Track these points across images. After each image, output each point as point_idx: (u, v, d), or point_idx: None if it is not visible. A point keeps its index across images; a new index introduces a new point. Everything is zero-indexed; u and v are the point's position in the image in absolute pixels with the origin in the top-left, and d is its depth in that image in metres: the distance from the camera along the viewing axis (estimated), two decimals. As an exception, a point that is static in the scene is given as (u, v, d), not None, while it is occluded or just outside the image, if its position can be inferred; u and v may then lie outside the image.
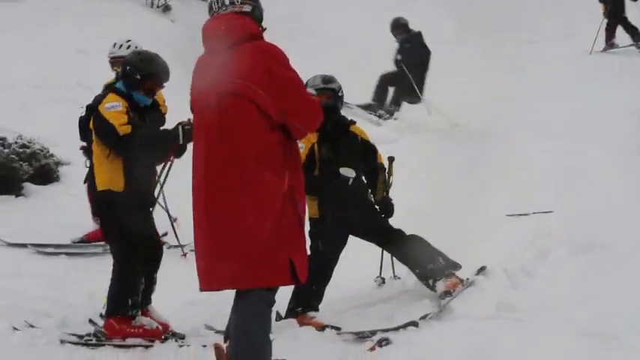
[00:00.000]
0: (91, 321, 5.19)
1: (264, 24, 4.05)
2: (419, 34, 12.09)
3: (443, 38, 14.49)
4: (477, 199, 6.94)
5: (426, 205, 7.25)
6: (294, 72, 3.89)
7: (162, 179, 5.41)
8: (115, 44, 7.35)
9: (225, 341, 4.31)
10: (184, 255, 6.88)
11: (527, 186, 7.91)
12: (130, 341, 4.91)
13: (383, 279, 5.99)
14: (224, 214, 3.77)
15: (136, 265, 5.04)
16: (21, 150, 8.52)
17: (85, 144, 7.49)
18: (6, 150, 8.39)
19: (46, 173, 8.74)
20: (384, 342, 4.56)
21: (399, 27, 12.19)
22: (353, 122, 5.86)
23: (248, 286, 3.75)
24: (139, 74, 5.22)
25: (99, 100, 5.23)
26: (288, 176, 3.82)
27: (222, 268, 3.77)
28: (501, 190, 7.35)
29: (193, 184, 3.92)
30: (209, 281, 3.84)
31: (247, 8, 3.98)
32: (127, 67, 5.26)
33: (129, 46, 7.18)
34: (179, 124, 5.15)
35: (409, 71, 11.72)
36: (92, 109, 5.26)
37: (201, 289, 3.89)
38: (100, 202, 5.18)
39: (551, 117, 10.38)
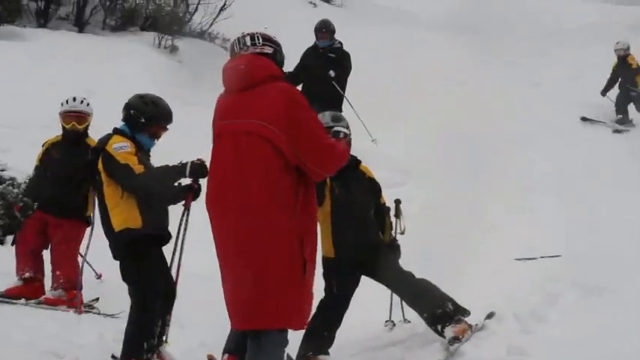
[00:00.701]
0: (110, 361, 5.19)
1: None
2: (342, 46, 11.07)
3: (450, 80, 14.65)
4: (486, 241, 6.96)
5: (434, 248, 7.26)
6: (313, 113, 3.95)
7: (182, 227, 5.33)
8: (74, 98, 7.15)
9: (223, 355, 4.45)
10: None
11: (538, 228, 7.94)
12: (144, 384, 4.89)
13: (393, 322, 6.00)
14: (239, 255, 3.81)
15: (155, 308, 5.02)
16: (30, 190, 8.50)
17: (21, 204, 7.50)
18: (15, 190, 8.40)
19: (55, 212, 8.67)
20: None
21: (330, 32, 11.01)
22: (360, 161, 5.92)
23: (262, 327, 3.79)
24: (143, 117, 5.30)
25: (104, 141, 5.24)
26: (301, 220, 3.84)
27: (240, 309, 3.84)
28: (511, 232, 7.37)
29: (213, 229, 3.96)
30: (232, 320, 3.92)
31: (268, 50, 4.08)
32: (131, 111, 5.33)
33: (88, 104, 7.14)
34: (188, 161, 5.16)
35: (342, 90, 10.89)
36: (97, 151, 5.24)
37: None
38: (120, 242, 5.10)
39: (557, 161, 10.48)
